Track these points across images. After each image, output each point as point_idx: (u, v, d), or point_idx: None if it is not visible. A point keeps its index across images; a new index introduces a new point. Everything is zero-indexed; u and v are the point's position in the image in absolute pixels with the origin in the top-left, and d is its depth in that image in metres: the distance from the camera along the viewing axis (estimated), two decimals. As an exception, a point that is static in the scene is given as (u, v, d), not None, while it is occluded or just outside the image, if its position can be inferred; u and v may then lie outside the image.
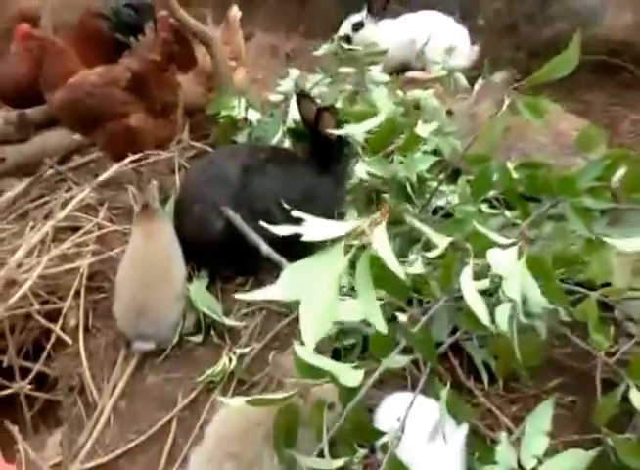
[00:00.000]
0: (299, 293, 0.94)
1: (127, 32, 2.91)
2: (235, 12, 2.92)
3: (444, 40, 3.39)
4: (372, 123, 1.73)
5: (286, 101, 2.63)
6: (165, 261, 1.75)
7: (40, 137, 2.49)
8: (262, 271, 1.91)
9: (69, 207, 1.91)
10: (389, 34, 3.43)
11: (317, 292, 0.92)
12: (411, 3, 3.77)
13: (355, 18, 3.44)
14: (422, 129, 1.90)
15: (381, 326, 0.93)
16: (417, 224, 1.30)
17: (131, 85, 2.31)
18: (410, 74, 3.46)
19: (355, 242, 1.02)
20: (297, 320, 1.73)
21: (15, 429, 1.59)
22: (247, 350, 1.69)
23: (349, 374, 1.03)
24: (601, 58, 3.29)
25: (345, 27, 3.33)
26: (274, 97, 2.72)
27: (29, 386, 1.68)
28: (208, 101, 2.80)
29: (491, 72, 2.64)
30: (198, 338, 1.77)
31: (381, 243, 0.93)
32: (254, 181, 1.81)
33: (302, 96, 1.92)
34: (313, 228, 1.00)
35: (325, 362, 1.08)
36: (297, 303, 1.40)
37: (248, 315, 1.84)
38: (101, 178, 2.05)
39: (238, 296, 1.15)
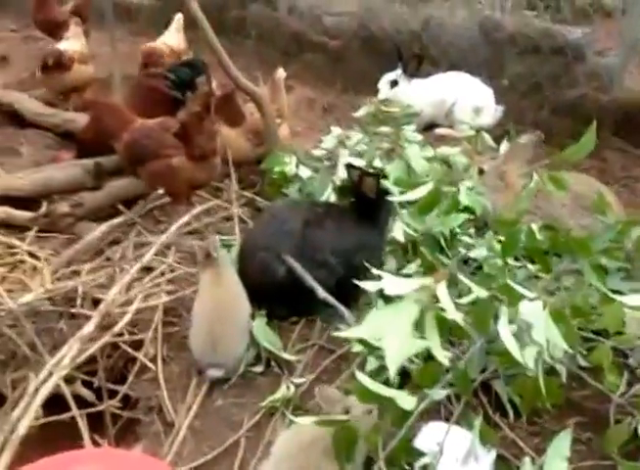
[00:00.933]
0: (382, 334, 1.23)
1: (183, 89, 3.30)
2: (280, 73, 3.29)
3: (472, 100, 3.73)
4: (421, 192, 2.03)
5: (330, 157, 2.98)
6: (232, 300, 2.05)
7: (111, 184, 2.83)
8: (314, 312, 2.22)
9: (152, 250, 2.22)
10: (421, 93, 3.78)
11: (397, 334, 1.20)
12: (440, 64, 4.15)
13: (390, 76, 3.78)
14: (463, 195, 2.21)
15: (443, 360, 1.21)
16: (461, 277, 1.58)
17: (178, 132, 2.69)
18: (439, 131, 3.80)
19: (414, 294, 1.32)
20: (342, 356, 2.06)
21: (104, 443, 1.88)
22: (302, 380, 1.97)
23: (406, 399, 1.31)
24: (621, 118, 3.61)
25: (385, 91, 3.65)
26: (318, 152, 3.06)
27: (115, 405, 1.97)
28: (256, 154, 3.16)
29: (517, 132, 2.94)
30: (258, 368, 2.06)
31: (444, 297, 1.22)
32: (314, 234, 2.13)
33: (351, 166, 2.26)
34: (392, 284, 1.29)
35: (384, 389, 1.36)
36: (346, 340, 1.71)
37: (301, 350, 2.14)
38: (175, 226, 2.37)
39: (335, 334, 1.44)
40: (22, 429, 1.60)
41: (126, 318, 1.98)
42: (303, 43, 4.82)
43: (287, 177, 2.67)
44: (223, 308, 2.01)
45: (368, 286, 1.43)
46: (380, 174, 2.25)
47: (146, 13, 5.85)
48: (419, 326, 1.23)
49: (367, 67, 4.53)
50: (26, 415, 1.61)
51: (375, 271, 1.42)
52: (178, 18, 4.20)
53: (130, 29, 5.87)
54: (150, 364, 2.01)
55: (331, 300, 2.01)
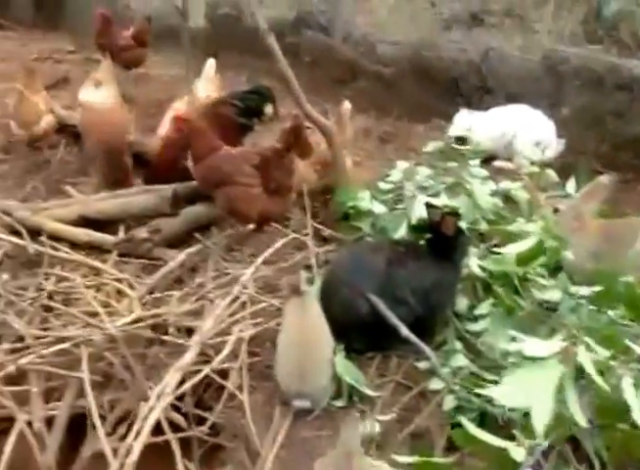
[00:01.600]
0: (529, 398, 1.30)
1: (251, 116, 3.42)
2: (347, 106, 3.40)
3: (532, 133, 3.79)
4: (524, 245, 2.12)
5: (395, 191, 3.08)
6: (318, 333, 2.14)
7: (187, 211, 2.96)
8: (390, 347, 2.31)
9: (240, 283, 2.33)
10: (481, 126, 3.85)
11: (542, 394, 1.28)
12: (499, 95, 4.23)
13: (464, 114, 3.82)
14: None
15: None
16: (587, 340, 1.61)
17: (258, 165, 2.80)
18: (497, 164, 3.86)
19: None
20: (420, 394, 2.13)
21: (191, 466, 1.98)
22: (385, 418, 2.05)
23: (517, 450, 1.39)
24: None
25: (458, 129, 3.70)
26: (384, 185, 3.16)
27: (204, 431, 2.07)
28: (321, 185, 3.27)
29: (582, 167, 2.99)
30: (340, 402, 2.14)
31: (585, 359, 1.30)
32: (396, 273, 2.23)
33: (430, 206, 2.35)
34: (534, 346, 1.38)
35: (493, 438, 1.44)
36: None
37: (379, 386, 2.22)
38: (260, 259, 2.48)
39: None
40: (136, 453, 1.70)
41: (226, 351, 2.07)
42: (357, 71, 4.94)
43: (360, 212, 2.76)
44: (310, 340, 2.10)
45: (511, 347, 1.51)
46: (460, 214, 2.33)
47: (198, 36, 6.01)
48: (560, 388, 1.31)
49: (422, 95, 4.63)
50: (139, 440, 1.71)
51: (516, 334, 1.51)
52: (210, 64, 4.18)
53: (181, 52, 6.06)
54: (237, 393, 2.10)
55: (414, 339, 2.10)
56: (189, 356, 1.97)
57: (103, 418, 2.07)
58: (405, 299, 2.21)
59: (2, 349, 2.22)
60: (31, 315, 2.39)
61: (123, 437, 1.91)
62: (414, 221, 2.61)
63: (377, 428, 2.01)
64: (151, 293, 2.54)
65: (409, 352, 2.28)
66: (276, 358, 2.15)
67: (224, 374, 2.20)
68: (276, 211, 2.88)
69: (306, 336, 2.12)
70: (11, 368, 2.04)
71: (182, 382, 2.04)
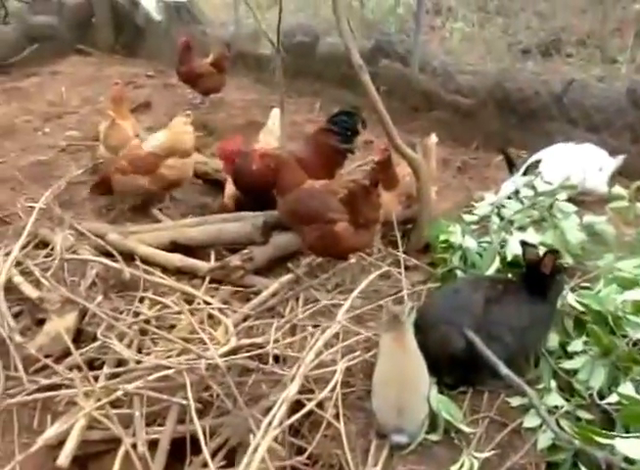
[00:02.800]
0: None
1: (349, 138, 3.52)
2: (433, 139, 3.46)
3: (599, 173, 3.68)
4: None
5: (479, 222, 3.10)
6: (416, 367, 2.19)
7: (276, 239, 3.06)
8: (482, 382, 2.33)
9: (341, 311, 2.40)
10: (559, 161, 3.79)
11: None
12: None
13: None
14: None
15: None
16: None
17: (345, 199, 2.85)
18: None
19: None
20: (513, 430, 2.14)
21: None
22: (483, 455, 2.07)
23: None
24: None
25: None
26: (469, 217, 3.19)
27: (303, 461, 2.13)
28: (407, 217, 3.32)
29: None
30: (435, 437, 2.17)
31: None
32: (494, 311, 2.26)
33: (526, 244, 2.37)
34: None
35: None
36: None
37: (473, 421, 2.24)
38: (356, 291, 2.55)
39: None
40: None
41: (330, 386, 2.14)
42: (433, 100, 4.99)
43: (451, 246, 2.80)
44: (409, 376, 2.15)
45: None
46: (559, 252, 2.35)
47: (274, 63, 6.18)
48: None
49: (500, 127, 4.65)
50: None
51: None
52: (274, 114, 4.14)
53: (257, 78, 6.26)
54: (335, 423, 2.15)
55: (513, 377, 2.12)
56: (294, 389, 2.03)
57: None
58: (501, 336, 2.24)
59: (105, 372, 2.34)
60: (131, 339, 2.51)
61: (226, 465, 1.99)
62: (510, 258, 2.63)
63: (475, 465, 2.03)
64: (244, 320, 2.63)
65: (500, 387, 2.30)
66: (373, 392, 2.20)
67: (319, 404, 2.25)
68: (362, 244, 2.93)
69: (405, 371, 2.17)
70: (119, 393, 2.15)
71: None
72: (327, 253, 2.96)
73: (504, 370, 2.13)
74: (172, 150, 3.64)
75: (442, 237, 2.82)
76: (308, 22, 6.07)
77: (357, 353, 2.37)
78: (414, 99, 5.05)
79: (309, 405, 2.10)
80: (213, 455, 2.10)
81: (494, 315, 2.26)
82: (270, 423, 1.93)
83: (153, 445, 2.20)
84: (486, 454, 2.07)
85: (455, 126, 4.82)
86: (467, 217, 3.18)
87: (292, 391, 2.01)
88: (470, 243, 2.76)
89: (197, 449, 2.14)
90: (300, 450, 2.20)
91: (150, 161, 3.62)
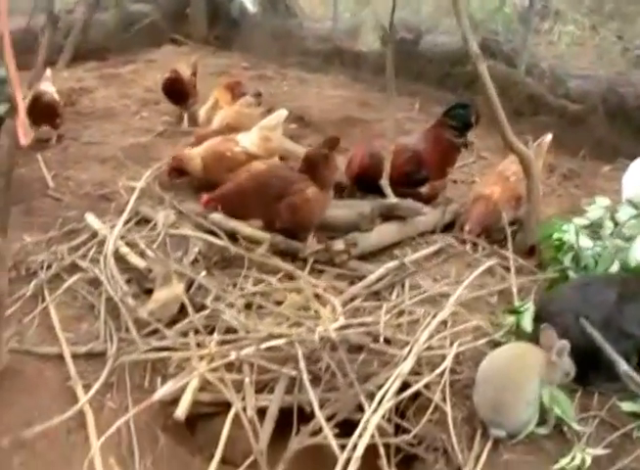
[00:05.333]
0: None
1: (465, 131, 3.64)
2: (548, 138, 3.52)
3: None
4: None
5: (591, 226, 3.14)
6: (521, 371, 2.26)
7: (380, 228, 3.19)
8: (594, 382, 2.38)
9: (452, 299, 2.51)
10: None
11: None
12: None
13: None
14: None
15: None
16: None
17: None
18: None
19: None
20: (625, 434, 2.18)
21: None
22: (595, 451, 2.12)
23: None
24: None
25: None
26: (579, 221, 3.22)
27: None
28: (513, 218, 3.39)
29: None
30: (544, 430, 2.24)
31: None
32: (628, 307, 2.33)
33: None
34: None
35: None
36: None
37: (583, 419, 2.30)
38: (467, 281, 2.65)
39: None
40: (360, 450, 1.90)
41: (439, 369, 2.25)
42: (539, 104, 5.02)
43: (563, 246, 2.85)
44: (512, 376, 2.23)
45: None
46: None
47: (372, 61, 6.34)
48: None
49: (610, 135, 4.63)
50: (364, 437, 1.90)
51: None
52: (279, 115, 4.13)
53: (354, 75, 6.45)
54: (443, 406, 2.25)
55: (633, 374, 2.17)
56: (407, 366, 2.15)
57: (310, 416, 2.30)
58: (634, 333, 2.30)
59: (216, 339, 2.52)
60: (239, 310, 2.69)
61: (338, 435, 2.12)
62: (634, 264, 2.66)
63: (587, 461, 2.09)
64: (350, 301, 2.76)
65: (613, 390, 2.34)
66: (476, 384, 2.29)
67: (426, 387, 2.36)
68: (327, 207, 3.20)
69: (507, 372, 2.25)
70: (232, 357, 2.32)
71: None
72: (301, 223, 3.15)
73: (623, 366, 2.18)
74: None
75: (556, 235, 2.87)
76: (410, 18, 6.20)
77: (468, 338, 2.44)
78: (519, 102, 5.08)
79: (418, 384, 2.21)
80: (321, 429, 2.22)
81: (628, 312, 2.31)
82: (382, 398, 2.04)
83: (260, 414, 2.34)
84: (599, 452, 2.12)
85: (561, 132, 4.79)
86: (577, 220, 3.21)
87: (405, 367, 2.12)
88: (585, 243, 2.80)
89: (304, 420, 2.29)
90: (405, 432, 2.31)
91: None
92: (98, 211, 3.72)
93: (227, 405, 2.34)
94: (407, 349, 2.34)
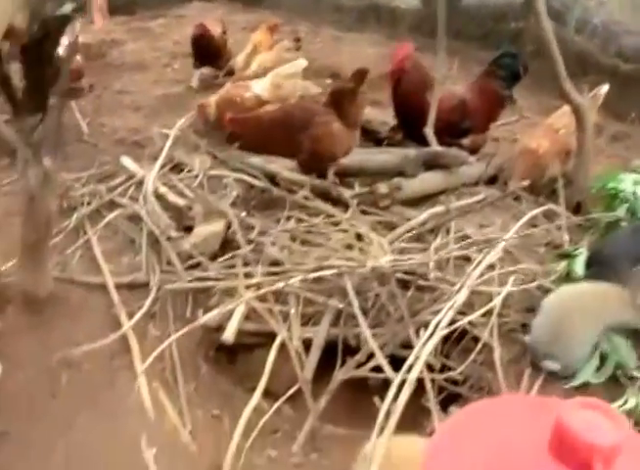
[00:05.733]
0: None
1: (513, 81, 3.59)
2: (604, 89, 3.47)
3: None
4: None
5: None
6: (586, 308, 2.25)
7: (424, 175, 3.18)
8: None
9: (500, 246, 2.51)
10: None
11: None
12: None
13: None
14: None
15: None
16: None
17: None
18: None
19: None
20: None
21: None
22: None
23: None
24: None
25: None
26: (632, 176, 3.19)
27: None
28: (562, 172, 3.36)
29: None
30: (599, 378, 2.22)
31: None
32: None
33: None
34: None
35: None
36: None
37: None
38: (515, 228, 2.65)
39: None
40: (415, 373, 1.91)
41: (487, 307, 2.26)
42: (588, 64, 4.92)
43: (618, 195, 2.83)
44: (578, 304, 2.22)
45: None
46: None
47: (409, 18, 6.26)
48: None
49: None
50: (418, 363, 1.92)
51: None
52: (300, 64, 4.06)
53: (389, 34, 6.37)
54: (492, 343, 2.26)
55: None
56: (457, 302, 2.15)
57: (355, 350, 2.32)
58: None
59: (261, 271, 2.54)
60: (283, 246, 2.70)
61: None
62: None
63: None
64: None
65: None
66: (537, 314, 2.28)
67: (473, 326, 2.37)
68: (352, 145, 3.12)
69: (576, 298, 2.24)
70: (279, 285, 2.33)
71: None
72: (322, 157, 3.11)
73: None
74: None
75: (611, 185, 2.84)
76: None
77: (516, 283, 2.44)
78: (567, 61, 4.97)
79: (468, 318, 2.21)
80: (367, 360, 2.24)
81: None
82: (432, 333, 2.05)
83: (305, 347, 2.36)
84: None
85: (610, 94, 4.73)
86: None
87: (456, 303, 2.12)
88: (641, 192, 2.78)
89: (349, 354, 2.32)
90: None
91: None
92: (132, 156, 3.72)
93: (271, 336, 2.36)
94: (458, 285, 2.33)
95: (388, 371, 2.01)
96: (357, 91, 3.11)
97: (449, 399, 2.35)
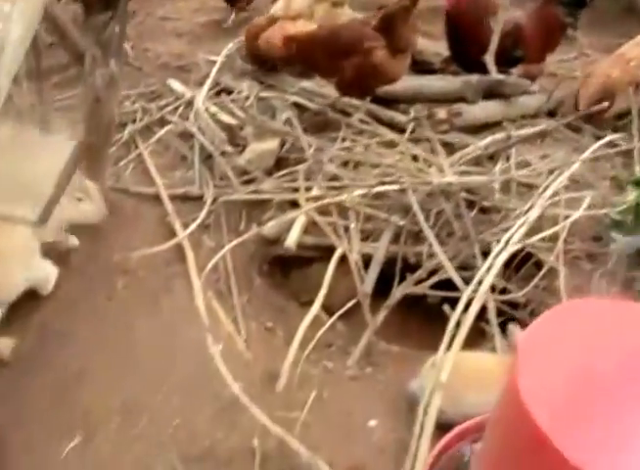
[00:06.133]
0: None
1: (575, 9, 3.47)
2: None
3: None
4: None
5: None
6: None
7: (484, 103, 3.12)
8: None
9: (566, 174, 2.46)
10: None
11: None
12: None
13: None
14: None
15: None
16: None
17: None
18: None
19: None
20: None
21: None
22: None
23: None
24: None
25: None
26: None
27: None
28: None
29: None
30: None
31: None
32: None
33: None
34: None
35: None
36: None
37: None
38: (585, 155, 2.59)
39: None
40: (486, 285, 1.90)
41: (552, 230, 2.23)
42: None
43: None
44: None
45: None
46: None
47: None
48: None
49: None
50: (490, 273, 1.90)
51: None
52: None
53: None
54: (557, 266, 2.23)
55: None
56: (533, 215, 2.12)
57: (415, 267, 2.31)
58: None
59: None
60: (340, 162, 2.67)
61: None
62: None
63: None
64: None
65: None
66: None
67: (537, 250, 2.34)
68: (399, 72, 2.99)
69: None
70: (341, 198, 2.31)
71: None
72: (364, 87, 3.02)
73: None
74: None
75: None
76: None
77: (581, 211, 2.40)
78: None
79: (535, 237, 2.18)
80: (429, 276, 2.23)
81: None
82: (498, 254, 2.03)
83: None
84: None
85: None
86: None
87: (530, 217, 2.09)
88: None
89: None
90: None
91: None
92: (178, 80, 3.70)
93: (329, 250, 2.36)
94: (528, 205, 2.29)
95: (459, 282, 1.99)
96: (411, 10, 2.94)
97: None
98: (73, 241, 2.34)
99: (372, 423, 1.88)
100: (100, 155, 2.42)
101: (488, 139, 2.83)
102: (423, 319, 2.41)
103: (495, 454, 1.11)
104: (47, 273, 2.19)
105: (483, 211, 2.43)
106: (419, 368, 2.01)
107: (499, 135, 2.91)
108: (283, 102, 3.33)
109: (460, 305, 1.94)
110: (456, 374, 1.80)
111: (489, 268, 2.01)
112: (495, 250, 2.08)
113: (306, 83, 3.41)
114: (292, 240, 2.27)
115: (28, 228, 1.98)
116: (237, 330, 2.21)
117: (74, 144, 1.81)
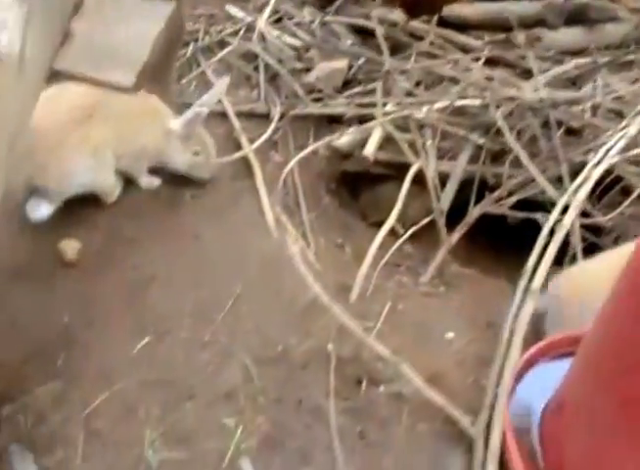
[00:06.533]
0: None
1: None
2: None
3: None
4: None
5: None
6: None
7: (566, 29, 2.98)
8: None
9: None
10: None
11: None
12: None
13: None
14: None
15: None
16: None
17: None
18: None
19: None
20: None
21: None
22: None
23: None
24: None
25: None
26: None
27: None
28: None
29: None
30: None
31: None
32: None
33: None
34: None
35: None
36: None
37: None
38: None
39: None
40: (580, 199, 1.81)
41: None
42: None
43: None
44: None
45: None
46: None
47: None
48: None
49: None
50: (586, 186, 1.81)
51: None
52: None
53: None
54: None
55: None
56: (633, 131, 2.02)
57: (495, 186, 2.23)
58: None
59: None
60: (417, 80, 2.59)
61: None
62: None
63: None
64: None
65: None
66: None
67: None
68: None
69: None
70: (419, 113, 2.23)
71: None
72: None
73: None
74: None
75: None
76: None
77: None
78: None
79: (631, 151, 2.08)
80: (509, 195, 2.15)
81: None
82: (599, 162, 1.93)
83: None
84: None
85: None
86: None
87: (631, 132, 1.99)
88: None
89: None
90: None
91: None
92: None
93: (403, 168, 2.29)
94: (623, 123, 2.18)
95: (551, 191, 1.91)
96: None
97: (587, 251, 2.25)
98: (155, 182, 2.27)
99: (449, 335, 1.83)
100: (166, 68, 2.35)
101: (572, 63, 2.69)
102: (496, 246, 2.35)
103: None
104: (112, 181, 2.15)
105: (570, 133, 2.32)
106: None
107: (583, 60, 2.77)
108: (347, 28, 3.25)
109: (553, 214, 1.85)
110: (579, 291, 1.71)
111: (585, 180, 1.90)
112: (593, 161, 1.96)
113: (379, 10, 3.31)
114: (370, 150, 2.20)
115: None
116: (306, 244, 2.16)
117: (172, 7, 1.72)
